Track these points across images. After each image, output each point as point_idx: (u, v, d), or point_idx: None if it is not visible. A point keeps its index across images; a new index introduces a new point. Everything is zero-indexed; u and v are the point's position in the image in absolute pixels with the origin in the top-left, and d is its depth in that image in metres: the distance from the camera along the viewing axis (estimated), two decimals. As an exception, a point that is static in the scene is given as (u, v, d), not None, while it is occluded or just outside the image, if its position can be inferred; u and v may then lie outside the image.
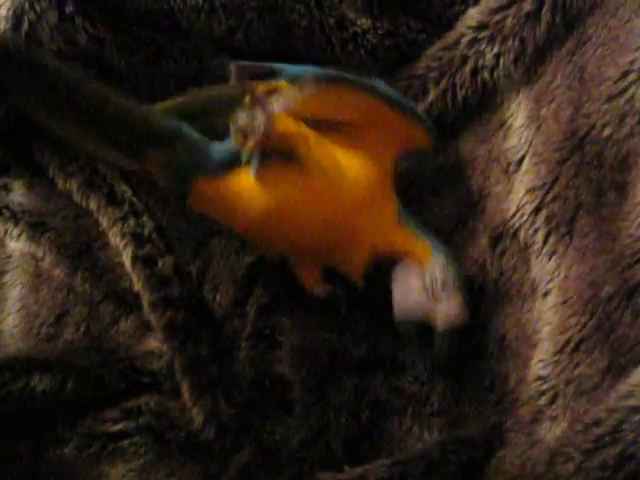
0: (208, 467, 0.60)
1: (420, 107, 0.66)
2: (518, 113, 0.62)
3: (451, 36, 0.66)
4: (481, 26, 0.63)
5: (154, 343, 0.64)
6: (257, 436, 0.60)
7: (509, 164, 0.62)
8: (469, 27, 0.64)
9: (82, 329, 0.66)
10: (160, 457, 0.60)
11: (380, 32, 0.68)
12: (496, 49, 0.63)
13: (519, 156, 0.61)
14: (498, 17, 0.62)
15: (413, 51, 0.68)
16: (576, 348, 0.53)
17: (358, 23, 0.67)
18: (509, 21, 0.62)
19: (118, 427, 0.61)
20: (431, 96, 0.66)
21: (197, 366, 0.61)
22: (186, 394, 0.61)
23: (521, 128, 0.61)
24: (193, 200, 0.60)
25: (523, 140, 0.61)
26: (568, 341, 0.53)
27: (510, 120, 0.63)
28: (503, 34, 0.62)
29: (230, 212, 0.60)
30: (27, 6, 0.63)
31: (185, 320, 0.63)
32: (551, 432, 0.52)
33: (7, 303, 0.67)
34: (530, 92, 0.62)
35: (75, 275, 0.67)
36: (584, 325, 0.52)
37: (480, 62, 0.64)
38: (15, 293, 0.68)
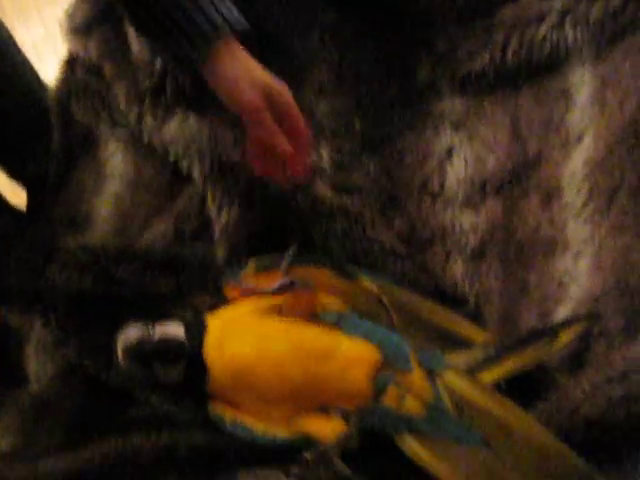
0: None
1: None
2: (582, 88, 0.66)
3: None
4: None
5: None
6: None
7: (568, 137, 0.66)
8: None
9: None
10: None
11: None
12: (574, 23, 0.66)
13: (580, 132, 0.65)
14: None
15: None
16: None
17: None
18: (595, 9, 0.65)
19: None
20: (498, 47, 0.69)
21: None
22: None
23: (584, 105, 0.65)
24: None
25: (586, 118, 0.65)
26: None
27: (572, 92, 0.66)
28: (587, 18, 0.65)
29: None
30: None
31: None
32: None
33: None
34: (596, 71, 0.65)
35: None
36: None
37: (555, 29, 0.67)
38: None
